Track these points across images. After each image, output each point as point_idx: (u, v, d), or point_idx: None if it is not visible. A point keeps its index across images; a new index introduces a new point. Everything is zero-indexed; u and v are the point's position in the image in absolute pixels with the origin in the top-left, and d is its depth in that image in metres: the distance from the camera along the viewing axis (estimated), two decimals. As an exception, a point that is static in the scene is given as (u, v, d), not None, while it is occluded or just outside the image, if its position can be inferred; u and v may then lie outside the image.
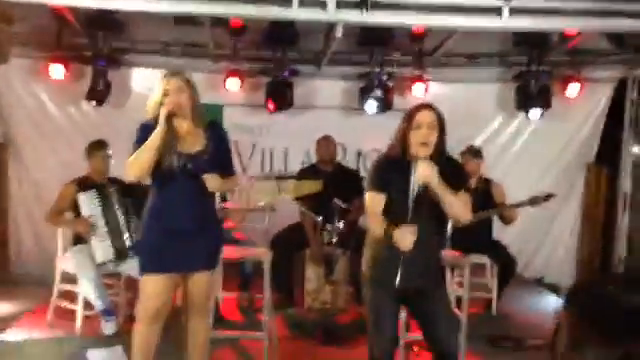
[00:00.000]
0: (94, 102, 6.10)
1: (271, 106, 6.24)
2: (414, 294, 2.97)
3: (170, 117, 3.10)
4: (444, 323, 3.00)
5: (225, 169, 3.28)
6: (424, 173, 2.81)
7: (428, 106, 2.96)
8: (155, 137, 3.05)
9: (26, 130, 6.29)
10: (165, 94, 3.12)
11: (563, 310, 1.12)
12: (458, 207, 2.90)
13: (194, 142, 3.21)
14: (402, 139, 2.93)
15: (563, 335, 1.09)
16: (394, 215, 2.90)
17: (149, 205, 3.21)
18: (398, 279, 2.87)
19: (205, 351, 3.44)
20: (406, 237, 2.78)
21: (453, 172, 2.95)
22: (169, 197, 3.15)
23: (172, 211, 3.14)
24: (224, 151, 3.33)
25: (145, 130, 3.12)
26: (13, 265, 6.36)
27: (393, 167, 2.96)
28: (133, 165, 3.06)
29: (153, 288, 3.15)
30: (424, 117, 2.89)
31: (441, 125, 2.91)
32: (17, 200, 6.38)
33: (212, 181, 3.14)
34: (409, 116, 2.93)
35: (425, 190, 2.87)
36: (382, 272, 2.96)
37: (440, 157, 2.89)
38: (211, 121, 3.34)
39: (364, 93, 6.31)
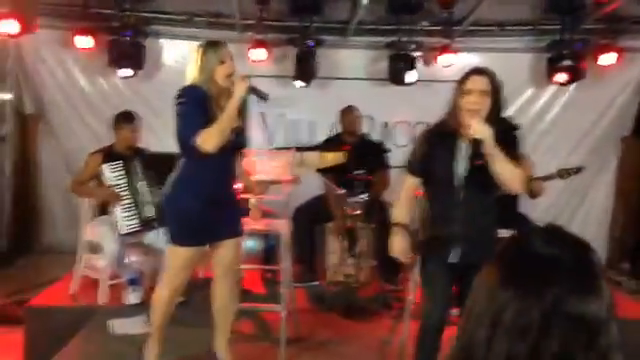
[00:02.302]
0: (129, 71, 6.09)
1: (299, 83, 6.22)
2: (466, 267, 2.88)
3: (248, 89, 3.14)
4: None
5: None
6: (477, 127, 2.68)
7: (480, 71, 2.81)
8: (233, 108, 3.06)
9: (56, 101, 6.36)
10: (223, 62, 3.13)
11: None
12: (510, 172, 2.73)
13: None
14: (453, 108, 2.82)
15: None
16: (440, 193, 2.84)
17: (186, 176, 3.17)
18: (453, 256, 2.82)
19: (231, 321, 3.51)
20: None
21: (508, 141, 2.78)
22: (212, 169, 3.15)
23: (213, 183, 3.17)
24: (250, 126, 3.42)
25: (197, 95, 3.08)
26: (44, 235, 6.50)
27: (440, 141, 2.87)
28: (216, 136, 3.01)
29: (184, 261, 3.19)
30: (475, 83, 2.76)
31: (495, 90, 2.76)
32: (48, 170, 6.49)
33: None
34: (459, 82, 2.81)
35: (477, 164, 2.76)
36: (437, 248, 2.90)
37: (493, 125, 2.72)
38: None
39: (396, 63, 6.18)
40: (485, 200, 2.87)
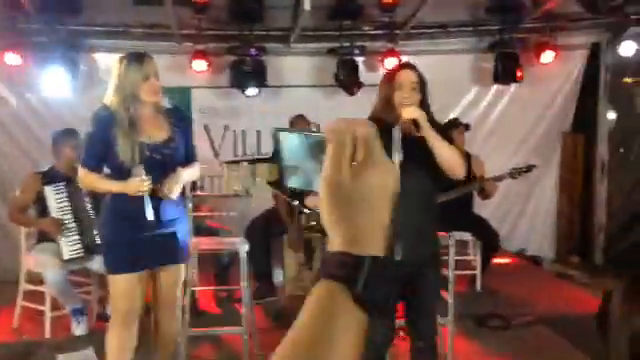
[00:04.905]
0: (60, 86, 5.80)
1: (252, 91, 6.05)
2: (411, 273, 2.78)
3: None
4: (429, 312, 2.91)
5: (189, 157, 3.14)
6: (409, 109, 2.66)
7: (409, 65, 2.84)
8: (115, 188, 2.93)
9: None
10: (147, 78, 2.88)
11: (611, 280, 0.99)
12: (451, 153, 2.71)
13: (158, 130, 3.00)
14: (385, 101, 2.78)
15: (615, 306, 0.97)
16: None
17: (110, 200, 3.00)
18: (398, 252, 2.69)
19: (174, 347, 3.32)
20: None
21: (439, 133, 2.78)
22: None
23: (138, 206, 2.90)
24: (190, 138, 3.17)
25: (103, 124, 2.90)
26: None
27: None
28: (89, 186, 3.08)
29: (124, 288, 2.97)
30: (406, 76, 2.75)
31: (423, 86, 2.78)
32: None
33: (171, 187, 2.95)
34: (390, 76, 2.80)
35: (413, 149, 2.69)
36: None
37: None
38: (174, 106, 3.14)
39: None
40: (423, 193, 2.78)
